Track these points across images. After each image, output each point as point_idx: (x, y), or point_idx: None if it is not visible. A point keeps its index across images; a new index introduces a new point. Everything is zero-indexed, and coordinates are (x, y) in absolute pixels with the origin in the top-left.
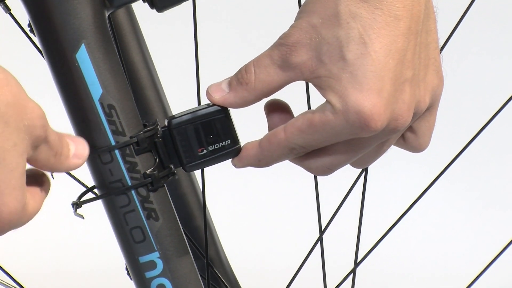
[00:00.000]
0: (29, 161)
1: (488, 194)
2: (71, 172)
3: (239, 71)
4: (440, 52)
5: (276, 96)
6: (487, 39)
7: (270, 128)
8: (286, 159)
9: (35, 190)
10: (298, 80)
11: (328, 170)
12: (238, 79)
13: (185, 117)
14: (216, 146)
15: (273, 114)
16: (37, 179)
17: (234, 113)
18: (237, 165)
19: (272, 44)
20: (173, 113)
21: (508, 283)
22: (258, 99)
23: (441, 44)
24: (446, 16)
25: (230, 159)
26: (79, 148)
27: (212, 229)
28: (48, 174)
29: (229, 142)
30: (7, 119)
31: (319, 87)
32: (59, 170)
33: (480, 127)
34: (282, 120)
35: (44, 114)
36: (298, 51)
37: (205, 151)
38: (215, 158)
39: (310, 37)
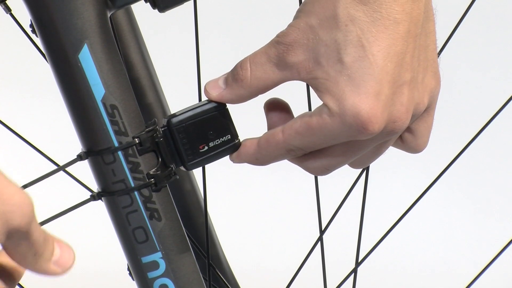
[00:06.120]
0: (3, 248)
1: (488, 194)
2: (73, 173)
3: (235, 67)
4: (439, 54)
5: (276, 95)
6: (485, 41)
7: (269, 127)
8: (283, 159)
9: None
10: (294, 79)
11: (326, 170)
12: (234, 76)
13: (184, 115)
14: (217, 141)
15: (272, 113)
16: (5, 271)
17: (236, 108)
18: (234, 161)
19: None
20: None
21: (508, 283)
22: (254, 95)
23: (439, 45)
24: (444, 17)
25: (228, 155)
26: (64, 256)
27: (211, 229)
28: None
29: (229, 137)
30: None
31: (316, 89)
32: (33, 270)
33: (479, 127)
34: (282, 120)
35: (30, 207)
36: (295, 51)
37: (206, 147)
38: (216, 154)
39: (307, 37)
